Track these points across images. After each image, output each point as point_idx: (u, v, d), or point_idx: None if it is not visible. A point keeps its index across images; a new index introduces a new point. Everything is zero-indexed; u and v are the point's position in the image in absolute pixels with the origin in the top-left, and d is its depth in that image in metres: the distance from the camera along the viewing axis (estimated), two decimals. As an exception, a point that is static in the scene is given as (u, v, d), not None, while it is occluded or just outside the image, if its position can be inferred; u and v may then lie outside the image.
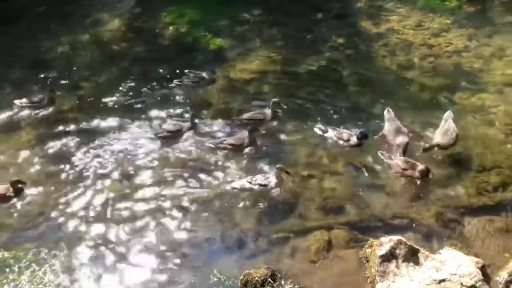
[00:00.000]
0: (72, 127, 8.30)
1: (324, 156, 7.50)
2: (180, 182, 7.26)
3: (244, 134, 7.74)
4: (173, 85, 8.98)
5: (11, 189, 7.08)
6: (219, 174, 7.36)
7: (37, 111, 8.59)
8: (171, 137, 7.93)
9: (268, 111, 8.13)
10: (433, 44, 9.47)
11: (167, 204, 6.98)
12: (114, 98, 8.89)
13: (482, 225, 6.39)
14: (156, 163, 7.61)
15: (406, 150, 7.27)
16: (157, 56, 9.89)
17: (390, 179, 7.10)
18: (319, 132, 7.82)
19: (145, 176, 7.40)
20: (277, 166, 7.01)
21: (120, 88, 9.10)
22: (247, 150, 7.66)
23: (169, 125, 8.04)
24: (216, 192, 7.08)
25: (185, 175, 7.36)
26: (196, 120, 8.13)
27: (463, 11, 10.16)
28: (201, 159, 7.59)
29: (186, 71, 9.03)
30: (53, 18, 11.10)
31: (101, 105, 8.71)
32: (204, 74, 8.93)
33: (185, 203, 6.97)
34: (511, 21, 9.75)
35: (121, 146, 7.89)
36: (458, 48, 9.28)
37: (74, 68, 9.72)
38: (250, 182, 7.01)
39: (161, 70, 9.51)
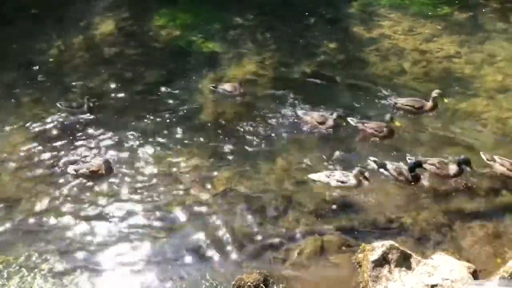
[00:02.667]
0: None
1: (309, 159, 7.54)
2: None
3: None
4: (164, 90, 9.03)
5: None
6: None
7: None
8: None
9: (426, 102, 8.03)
10: (424, 49, 9.53)
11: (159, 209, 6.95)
12: (105, 102, 8.84)
13: (474, 230, 6.42)
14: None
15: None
16: (149, 60, 9.84)
17: (383, 184, 7.12)
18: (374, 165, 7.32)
19: (131, 167, 7.44)
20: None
21: (111, 92, 9.06)
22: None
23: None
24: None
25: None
26: None
27: (455, 18, 10.23)
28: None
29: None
30: (47, 20, 11.03)
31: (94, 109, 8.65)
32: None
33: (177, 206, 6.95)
34: (502, 28, 9.83)
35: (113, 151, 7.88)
36: (449, 54, 9.34)
37: (66, 71, 9.67)
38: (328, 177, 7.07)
39: (153, 74, 9.47)
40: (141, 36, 10.59)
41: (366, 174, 6.96)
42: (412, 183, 7.03)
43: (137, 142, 8.03)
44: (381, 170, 7.19)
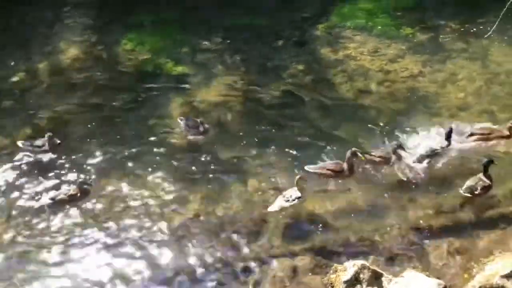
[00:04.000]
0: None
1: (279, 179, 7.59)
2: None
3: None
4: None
5: None
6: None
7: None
8: None
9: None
10: (389, 69, 9.77)
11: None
12: (73, 128, 8.72)
13: (442, 246, 6.53)
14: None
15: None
16: (117, 84, 9.76)
17: (351, 202, 7.20)
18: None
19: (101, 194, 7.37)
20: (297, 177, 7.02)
21: (78, 118, 8.94)
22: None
23: None
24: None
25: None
26: None
27: (417, 38, 10.54)
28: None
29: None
30: (9, 45, 10.84)
31: (60, 135, 8.49)
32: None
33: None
34: (462, 48, 10.17)
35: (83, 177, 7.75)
36: (413, 74, 9.59)
37: (31, 97, 9.49)
38: (288, 200, 6.98)
39: (120, 99, 9.39)
40: (108, 61, 10.52)
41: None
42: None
43: (106, 169, 7.93)
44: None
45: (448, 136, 7.79)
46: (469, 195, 7.02)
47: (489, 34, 8.45)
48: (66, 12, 11.98)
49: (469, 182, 7.10)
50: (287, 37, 11.08)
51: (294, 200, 7.00)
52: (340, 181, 7.53)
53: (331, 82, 9.68)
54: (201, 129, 8.40)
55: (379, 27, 10.88)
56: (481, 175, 7.08)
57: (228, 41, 10.99)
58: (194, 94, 9.47)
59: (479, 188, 7.02)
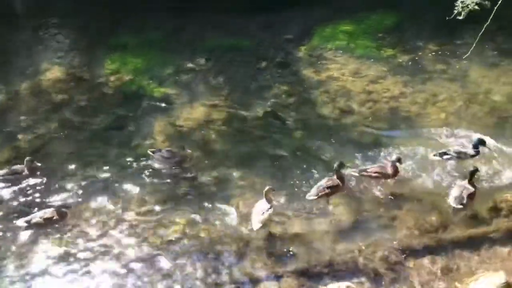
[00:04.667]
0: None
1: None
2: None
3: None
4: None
5: None
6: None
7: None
8: None
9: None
10: (371, 90, 9.88)
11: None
12: (54, 150, 8.60)
13: (425, 266, 6.54)
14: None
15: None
16: (99, 106, 9.71)
17: (335, 222, 7.19)
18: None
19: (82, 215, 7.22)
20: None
21: (59, 139, 8.84)
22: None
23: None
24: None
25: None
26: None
27: (398, 60, 10.71)
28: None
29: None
30: (-11, 66, 10.78)
31: (41, 157, 8.38)
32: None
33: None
34: (441, 69, 10.34)
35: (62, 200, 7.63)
36: (394, 94, 9.71)
37: (11, 119, 9.36)
38: (263, 213, 6.96)
39: (102, 120, 9.33)
40: (91, 82, 10.46)
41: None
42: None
43: (86, 191, 7.82)
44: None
45: (476, 147, 7.89)
46: (460, 206, 7.09)
47: (467, 55, 8.60)
48: (48, 33, 11.96)
49: (454, 192, 7.18)
50: (270, 58, 11.18)
51: (267, 211, 6.98)
52: (325, 200, 7.53)
53: (314, 103, 9.75)
54: (177, 158, 8.25)
55: (360, 49, 11.04)
56: (465, 183, 7.21)
57: (212, 62, 11.05)
58: (177, 115, 9.45)
59: (465, 196, 7.10)
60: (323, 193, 7.46)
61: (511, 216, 7.06)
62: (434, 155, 7.98)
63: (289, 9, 12.44)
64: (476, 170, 7.30)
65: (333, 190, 7.50)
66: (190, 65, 10.93)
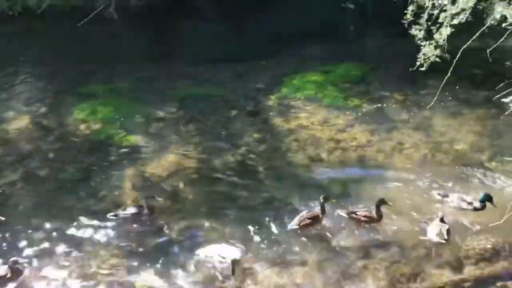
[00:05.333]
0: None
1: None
2: None
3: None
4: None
5: None
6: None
7: None
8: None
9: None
10: (339, 139, 10.07)
11: None
12: (17, 203, 8.33)
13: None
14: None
15: None
16: (67, 156, 9.54)
17: (308, 272, 7.11)
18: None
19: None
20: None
21: (23, 191, 8.58)
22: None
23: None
24: None
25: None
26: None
27: (364, 109, 11.01)
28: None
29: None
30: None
31: (4, 209, 8.08)
32: None
33: None
34: (406, 118, 10.66)
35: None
36: (361, 143, 9.91)
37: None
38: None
39: (69, 170, 9.15)
40: (59, 131, 10.33)
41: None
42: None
43: (48, 246, 7.53)
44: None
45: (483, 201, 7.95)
46: (443, 241, 7.25)
47: (430, 105, 8.93)
48: (16, 81, 11.84)
49: (433, 229, 7.35)
50: (241, 107, 11.33)
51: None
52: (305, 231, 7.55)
53: (284, 151, 9.84)
54: (145, 211, 8.07)
55: (328, 98, 11.33)
56: (437, 221, 7.38)
57: (183, 110, 11.11)
58: (146, 164, 9.35)
59: (444, 232, 7.28)
60: (304, 223, 7.70)
61: (480, 263, 7.11)
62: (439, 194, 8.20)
63: (260, 58, 12.78)
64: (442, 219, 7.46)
65: (313, 221, 7.74)
66: (160, 114, 10.95)
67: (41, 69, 12.11)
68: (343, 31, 13.97)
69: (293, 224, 7.75)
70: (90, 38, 13.23)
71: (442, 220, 7.47)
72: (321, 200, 7.87)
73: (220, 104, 11.40)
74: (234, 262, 6.98)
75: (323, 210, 7.86)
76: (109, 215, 8.04)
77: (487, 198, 7.93)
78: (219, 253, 7.04)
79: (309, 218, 7.73)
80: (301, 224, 7.71)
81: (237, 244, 7.54)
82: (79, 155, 9.59)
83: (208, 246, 7.35)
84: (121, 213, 8.03)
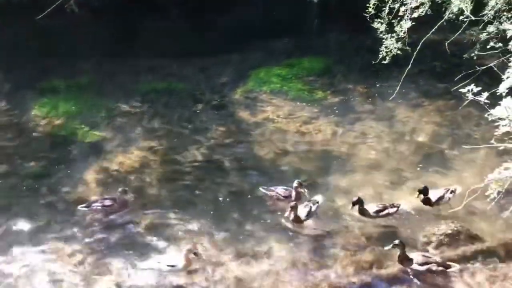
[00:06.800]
0: None
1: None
2: None
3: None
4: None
5: None
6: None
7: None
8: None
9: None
10: (304, 131, 10.17)
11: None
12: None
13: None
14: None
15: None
16: (27, 151, 9.30)
17: (274, 263, 7.17)
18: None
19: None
20: (186, 248, 6.93)
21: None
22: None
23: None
24: None
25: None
26: None
27: (328, 101, 11.15)
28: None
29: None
30: None
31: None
32: None
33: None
34: (369, 109, 10.86)
35: None
36: (326, 135, 10.04)
37: None
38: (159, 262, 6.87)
39: (30, 166, 8.91)
40: (18, 127, 10.05)
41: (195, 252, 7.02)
42: None
43: (10, 242, 7.34)
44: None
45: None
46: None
47: (393, 96, 9.11)
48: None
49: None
50: (206, 101, 11.28)
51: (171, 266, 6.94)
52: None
53: (250, 144, 9.87)
54: (117, 205, 7.98)
55: (294, 91, 11.42)
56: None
57: (147, 105, 10.98)
58: (111, 159, 9.22)
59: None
60: (272, 194, 8.30)
61: (441, 248, 7.34)
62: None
63: (224, 53, 12.74)
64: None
65: (284, 198, 8.20)
66: (124, 108, 10.79)
67: (-1, 64, 11.72)
68: (307, 25, 14.04)
69: (267, 191, 8.32)
70: (50, 32, 12.85)
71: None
72: (296, 185, 8.17)
73: (185, 98, 11.31)
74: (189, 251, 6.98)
75: (297, 194, 8.17)
76: (80, 207, 7.91)
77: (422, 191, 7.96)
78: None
79: (282, 195, 8.22)
80: (272, 196, 8.27)
81: (202, 238, 7.53)
82: (41, 151, 9.36)
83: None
84: (93, 204, 7.92)
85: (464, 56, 9.71)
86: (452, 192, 8.05)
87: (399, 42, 8.47)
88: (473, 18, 7.81)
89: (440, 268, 6.89)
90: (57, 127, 10.06)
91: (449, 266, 6.93)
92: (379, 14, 8.52)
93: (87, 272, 6.97)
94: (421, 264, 6.90)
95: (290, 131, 10.18)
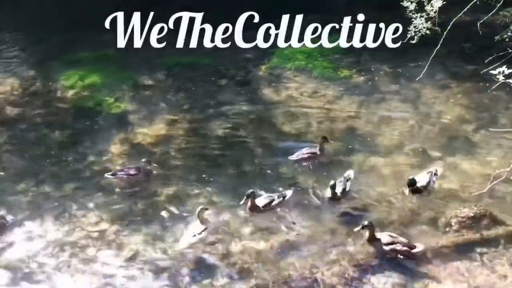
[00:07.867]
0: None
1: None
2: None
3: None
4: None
5: None
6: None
7: None
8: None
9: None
10: (328, 110, 10.11)
11: None
12: (5, 166, 8.30)
13: (382, 282, 6.64)
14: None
15: None
16: (54, 121, 9.48)
17: (292, 237, 7.23)
18: None
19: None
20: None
21: (10, 155, 8.53)
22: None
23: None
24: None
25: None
26: None
27: (354, 80, 11.03)
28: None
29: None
30: None
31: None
32: None
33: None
34: (394, 90, 10.70)
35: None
36: (350, 114, 9.97)
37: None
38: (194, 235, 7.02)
39: (57, 136, 9.10)
40: (46, 96, 10.22)
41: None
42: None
43: (38, 208, 7.58)
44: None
45: None
46: None
47: (419, 77, 8.96)
48: (1, 47, 11.60)
49: None
50: (230, 76, 11.26)
51: (200, 233, 7.04)
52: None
53: (273, 121, 9.86)
54: (142, 174, 8.13)
55: (318, 69, 11.31)
56: None
57: (171, 79, 11.02)
58: (135, 131, 9.34)
59: None
60: (302, 157, 8.62)
61: (462, 231, 7.30)
62: None
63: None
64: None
65: (311, 156, 8.64)
66: (149, 81, 10.86)
67: (25, 36, 11.86)
68: (334, 2, 13.76)
69: (293, 157, 8.64)
70: (75, 5, 12.93)
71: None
72: (320, 140, 8.67)
73: (209, 73, 11.31)
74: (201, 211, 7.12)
75: (321, 150, 8.67)
76: (106, 175, 8.07)
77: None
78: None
79: (308, 153, 8.62)
80: (300, 158, 8.60)
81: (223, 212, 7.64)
82: (67, 121, 9.53)
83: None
84: (118, 173, 8.08)
85: (496, 37, 9.45)
86: (435, 174, 8.06)
87: (429, 22, 8.30)
88: (507, -2, 7.58)
89: (405, 248, 6.90)
90: (83, 98, 10.21)
91: (414, 247, 6.96)
92: (409, -8, 8.33)
93: (109, 241, 7.15)
94: (387, 244, 6.93)
95: (314, 109, 10.12)
